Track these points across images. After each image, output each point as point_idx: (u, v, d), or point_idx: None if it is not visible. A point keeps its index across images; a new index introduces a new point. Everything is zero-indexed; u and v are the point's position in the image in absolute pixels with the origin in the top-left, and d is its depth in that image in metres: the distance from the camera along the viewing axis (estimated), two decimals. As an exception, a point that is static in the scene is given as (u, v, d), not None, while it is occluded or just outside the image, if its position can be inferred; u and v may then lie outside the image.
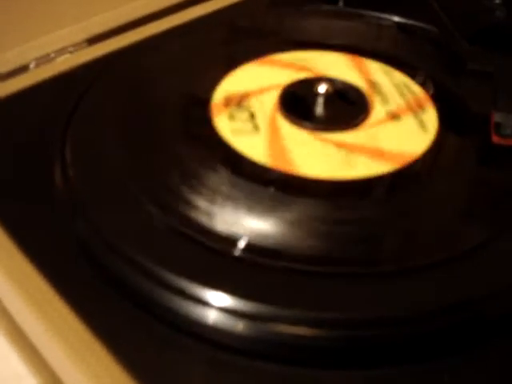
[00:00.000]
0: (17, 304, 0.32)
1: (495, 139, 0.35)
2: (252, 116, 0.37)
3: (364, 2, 0.46)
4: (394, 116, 0.37)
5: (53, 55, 0.44)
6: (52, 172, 0.36)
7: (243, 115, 0.37)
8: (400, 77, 0.40)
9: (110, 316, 0.30)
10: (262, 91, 0.38)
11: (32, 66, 0.44)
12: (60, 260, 0.32)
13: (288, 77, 0.39)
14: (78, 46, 0.45)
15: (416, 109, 0.38)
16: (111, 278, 0.31)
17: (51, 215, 0.34)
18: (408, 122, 0.37)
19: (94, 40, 0.45)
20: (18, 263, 0.32)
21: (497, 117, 0.36)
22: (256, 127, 0.36)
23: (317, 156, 0.35)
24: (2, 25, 0.44)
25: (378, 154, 0.35)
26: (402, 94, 0.38)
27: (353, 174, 0.34)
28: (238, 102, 0.38)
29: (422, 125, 0.37)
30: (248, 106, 0.37)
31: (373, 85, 0.39)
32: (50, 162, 0.36)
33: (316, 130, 0.36)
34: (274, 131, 0.36)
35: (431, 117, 0.37)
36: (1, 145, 0.38)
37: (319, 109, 0.37)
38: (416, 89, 0.39)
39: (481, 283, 0.30)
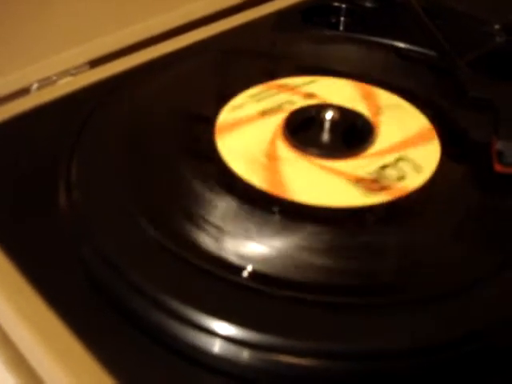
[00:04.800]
0: (16, 328, 0.32)
1: (498, 168, 0.35)
2: (257, 141, 0.37)
3: (364, 27, 0.46)
4: (395, 145, 0.37)
5: (54, 78, 0.44)
6: (55, 196, 0.35)
7: (247, 139, 0.37)
8: (402, 103, 0.40)
9: (114, 341, 0.30)
10: (263, 116, 0.39)
11: (34, 88, 0.44)
12: (64, 284, 0.32)
13: (292, 103, 0.39)
14: (79, 69, 0.45)
15: (418, 139, 0.38)
16: (115, 302, 0.31)
17: (55, 239, 0.34)
18: (410, 152, 0.37)
19: (95, 63, 0.45)
20: (21, 288, 0.32)
21: (499, 145, 0.35)
22: (259, 153, 0.36)
23: (315, 183, 0.35)
24: (4, 47, 0.44)
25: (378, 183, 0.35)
26: (404, 123, 0.39)
27: (351, 202, 0.34)
28: (240, 126, 0.38)
29: (424, 155, 0.37)
30: (251, 130, 0.38)
31: (376, 112, 0.39)
32: (53, 187, 0.36)
33: (317, 157, 0.36)
34: (274, 156, 0.36)
35: (433, 146, 0.37)
36: (3, 168, 0.38)
37: (323, 136, 0.37)
38: (419, 116, 0.39)
39: (485, 315, 0.30)
